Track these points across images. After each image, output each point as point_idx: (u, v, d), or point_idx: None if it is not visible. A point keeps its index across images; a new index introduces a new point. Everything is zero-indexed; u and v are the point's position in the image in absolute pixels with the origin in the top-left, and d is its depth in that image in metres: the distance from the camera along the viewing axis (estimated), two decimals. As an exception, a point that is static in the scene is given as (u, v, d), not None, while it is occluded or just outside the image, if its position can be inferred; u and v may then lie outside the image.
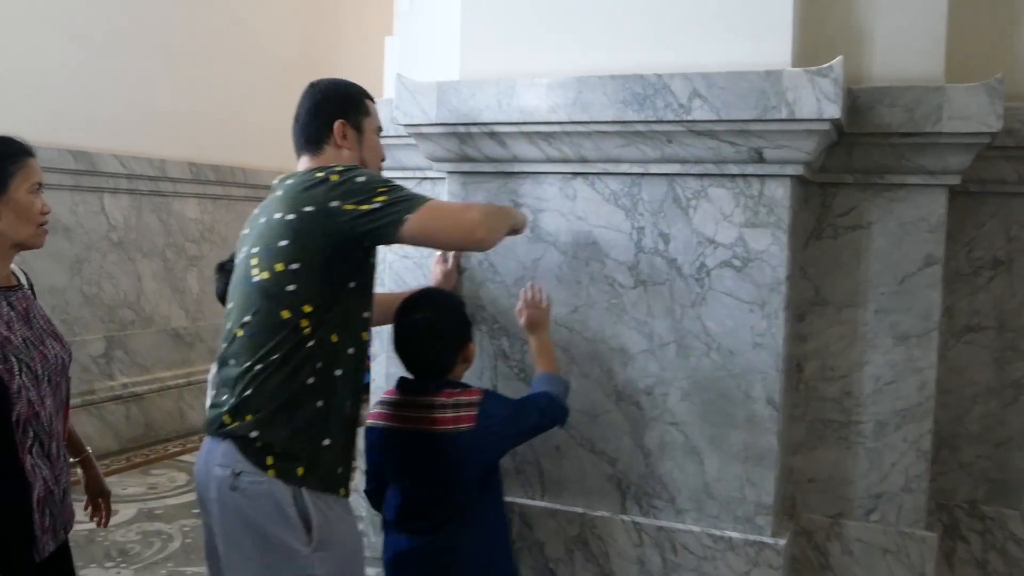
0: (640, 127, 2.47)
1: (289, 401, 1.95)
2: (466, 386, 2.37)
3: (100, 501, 2.48)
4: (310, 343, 1.94)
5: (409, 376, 2.38)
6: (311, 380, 1.96)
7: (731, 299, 2.49)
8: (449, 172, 2.78)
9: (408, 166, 3.05)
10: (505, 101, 2.59)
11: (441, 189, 2.87)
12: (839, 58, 2.29)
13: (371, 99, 2.31)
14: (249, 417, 1.94)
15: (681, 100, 2.41)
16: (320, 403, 1.98)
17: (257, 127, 6.54)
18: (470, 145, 2.69)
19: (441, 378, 2.34)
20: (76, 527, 2.90)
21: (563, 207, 2.66)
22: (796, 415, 2.73)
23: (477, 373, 2.75)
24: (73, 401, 5.31)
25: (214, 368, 2.20)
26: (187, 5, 6.15)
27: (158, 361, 5.99)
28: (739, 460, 2.51)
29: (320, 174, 2.01)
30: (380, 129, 2.32)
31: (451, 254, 2.75)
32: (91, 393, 5.46)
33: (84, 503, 2.47)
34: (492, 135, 2.64)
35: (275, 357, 1.94)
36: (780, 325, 2.45)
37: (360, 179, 1.98)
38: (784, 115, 2.32)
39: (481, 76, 2.67)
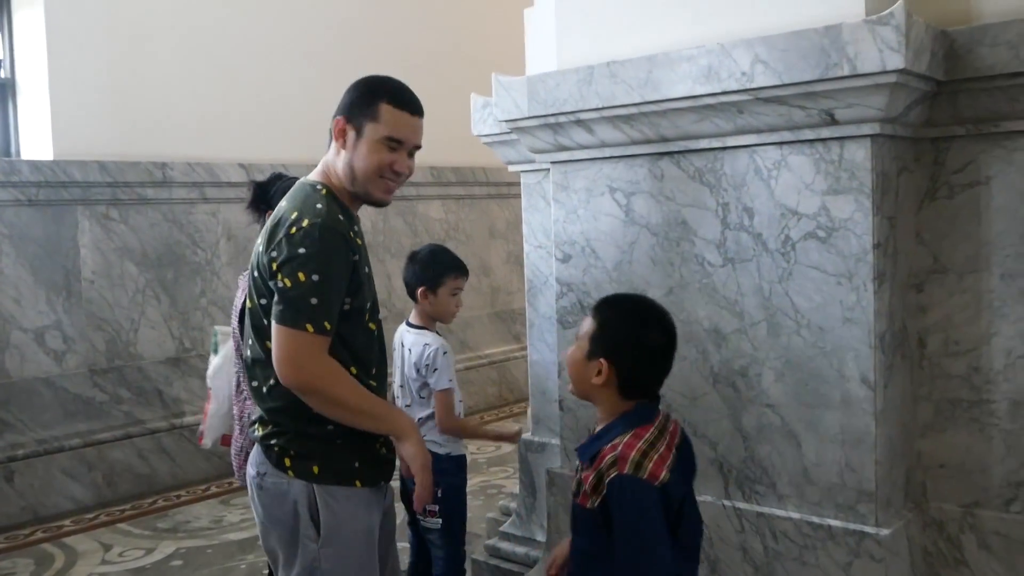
0: (709, 100, 2.40)
1: (295, 414, 2.05)
2: None
3: None
4: None
5: (645, 400, 1.97)
6: None
7: (818, 272, 2.34)
8: (551, 162, 2.85)
9: (515, 160, 3.16)
10: (585, 88, 2.62)
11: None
12: (899, 2, 2.07)
13: (397, 105, 2.13)
14: (270, 427, 2.10)
15: (743, 68, 2.31)
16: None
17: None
18: (562, 134, 2.74)
19: None
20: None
21: (653, 188, 2.63)
22: (921, 395, 2.49)
23: (586, 357, 2.81)
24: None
25: None
26: (421, 18, 6.63)
27: (412, 352, 6.54)
28: (837, 443, 2.35)
29: (294, 214, 2.02)
30: (392, 139, 2.12)
31: None
32: (347, 381, 6.10)
33: None
34: (579, 123, 2.68)
35: (272, 382, 2.06)
36: (870, 298, 2.26)
37: (301, 250, 1.96)
38: (847, 71, 2.15)
39: (572, 65, 2.71)
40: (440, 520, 2.93)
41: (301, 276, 1.96)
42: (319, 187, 2.12)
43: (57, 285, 4.87)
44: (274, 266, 1.99)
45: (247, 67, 5.68)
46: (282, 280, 1.97)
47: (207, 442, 3.23)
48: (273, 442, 2.08)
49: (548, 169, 3.15)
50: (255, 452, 2.13)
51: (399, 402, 3.06)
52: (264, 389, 2.09)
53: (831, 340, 2.33)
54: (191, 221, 5.38)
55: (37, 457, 4.75)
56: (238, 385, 3.02)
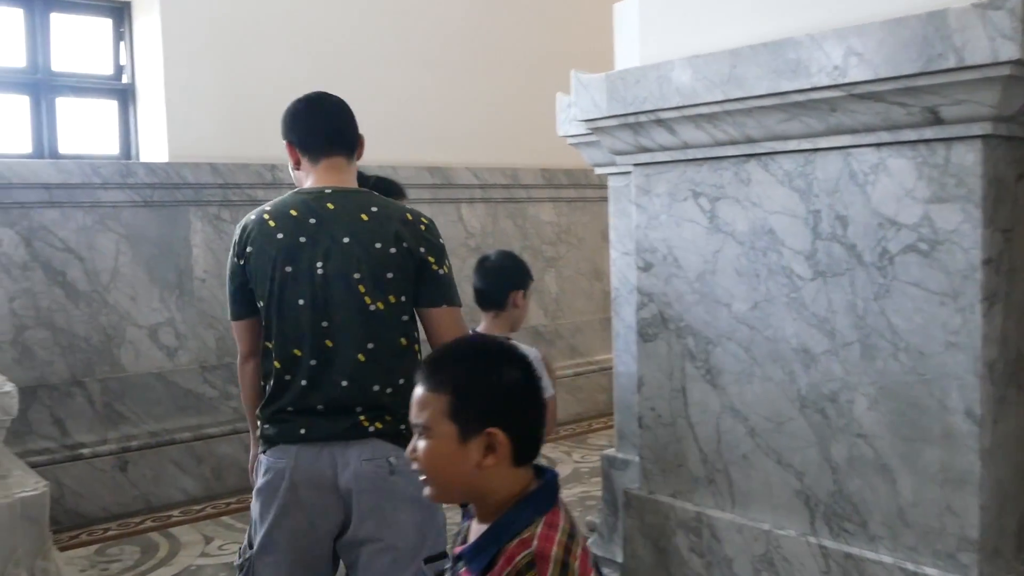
0: (798, 97, 2.18)
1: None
2: None
3: None
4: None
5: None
6: None
7: (918, 290, 2.09)
8: (633, 165, 2.68)
9: (601, 162, 3.00)
10: (665, 85, 2.44)
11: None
12: (1015, -17, 1.81)
13: None
14: (389, 418, 2.13)
15: (835, 61, 2.08)
16: None
17: (609, 128, 6.69)
18: (643, 135, 2.57)
19: None
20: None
21: (739, 193, 2.43)
22: (1041, 431, 2.19)
23: (666, 374, 2.62)
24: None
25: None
26: (530, 18, 6.53)
27: (521, 356, 6.44)
28: (936, 483, 2.09)
29: (409, 216, 2.16)
30: None
31: None
32: (452, 385, 6.05)
33: None
34: (660, 122, 2.50)
35: (402, 381, 2.12)
36: (977, 321, 1.99)
37: (440, 241, 2.20)
38: (953, 63, 1.89)
39: (654, 61, 2.54)
40: None
41: (447, 265, 2.20)
42: (374, 192, 2.27)
43: (170, 284, 5.01)
44: (430, 259, 2.15)
45: (356, 70, 5.71)
46: (441, 269, 2.16)
47: None
48: (403, 428, 2.07)
49: (620, 172, 2.98)
50: (372, 446, 2.11)
51: None
52: (390, 390, 2.13)
53: (932, 367, 2.07)
54: (300, 222, 5.44)
55: (149, 449, 4.90)
56: None
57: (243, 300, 2.20)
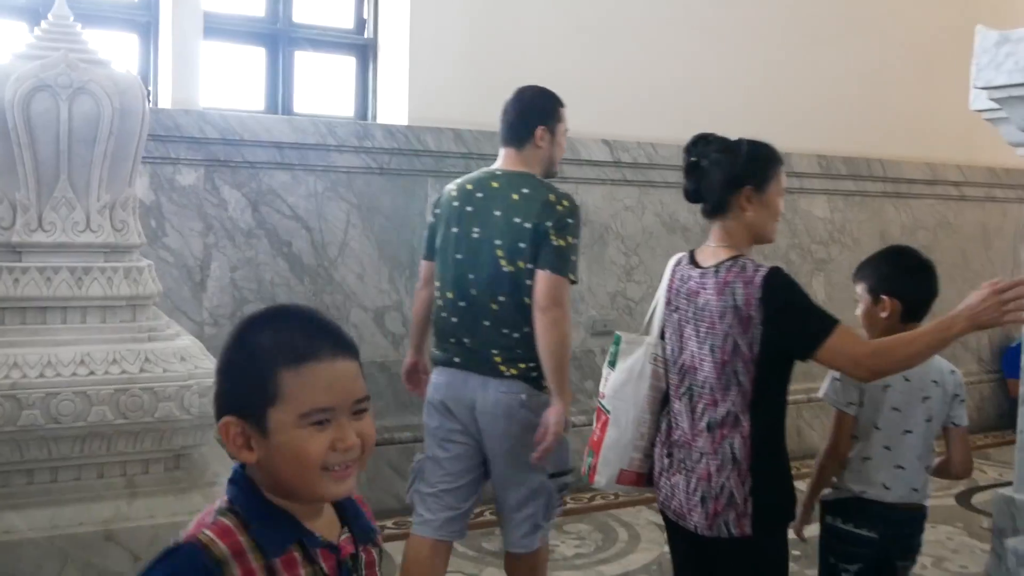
0: None
1: (535, 348, 2.72)
2: None
3: None
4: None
5: None
6: None
7: None
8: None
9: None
10: None
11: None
12: None
13: (563, 105, 2.91)
14: (522, 365, 2.73)
15: None
16: None
17: (898, 113, 5.68)
18: None
19: None
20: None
21: None
22: None
23: None
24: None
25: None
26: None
27: (778, 372, 5.54)
28: None
29: (552, 196, 2.70)
30: (566, 130, 2.93)
31: None
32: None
33: None
34: None
35: (527, 329, 2.69)
36: None
37: (570, 220, 2.69)
38: None
39: None
40: None
41: (570, 239, 2.67)
42: (536, 177, 2.80)
43: (401, 263, 4.47)
44: (552, 232, 2.65)
45: (616, 36, 5.00)
46: (557, 240, 2.64)
47: (600, 480, 2.55)
48: (534, 374, 2.73)
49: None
50: (508, 383, 2.73)
51: (903, 451, 2.41)
52: (517, 335, 2.71)
53: None
54: (546, 201, 4.79)
55: (367, 447, 4.38)
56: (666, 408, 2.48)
57: (430, 247, 2.92)
